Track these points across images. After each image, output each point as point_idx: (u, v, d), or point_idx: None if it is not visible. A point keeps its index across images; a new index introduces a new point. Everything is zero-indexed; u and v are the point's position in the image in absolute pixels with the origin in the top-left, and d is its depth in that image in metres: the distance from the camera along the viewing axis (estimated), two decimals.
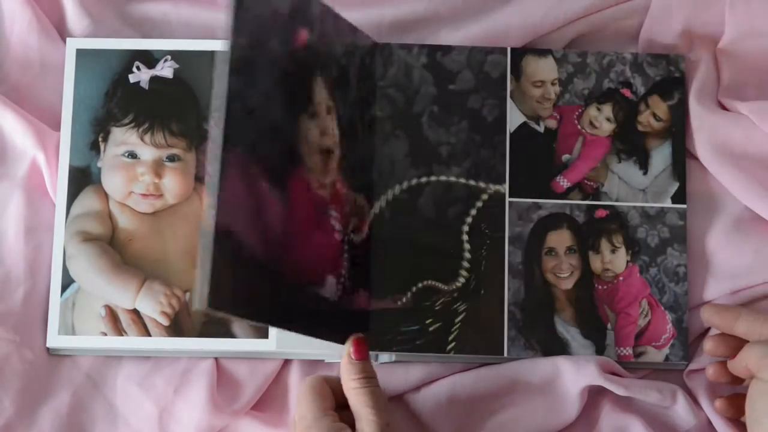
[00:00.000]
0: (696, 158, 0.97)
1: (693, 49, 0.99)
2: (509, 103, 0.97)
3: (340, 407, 0.84)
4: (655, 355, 0.94)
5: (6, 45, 0.98)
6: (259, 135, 0.80)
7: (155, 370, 0.93)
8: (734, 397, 0.90)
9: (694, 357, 0.94)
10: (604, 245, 0.95)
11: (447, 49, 0.97)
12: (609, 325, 0.94)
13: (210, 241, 0.73)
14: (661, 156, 0.97)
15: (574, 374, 0.91)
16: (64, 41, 0.98)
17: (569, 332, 0.94)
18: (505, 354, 0.93)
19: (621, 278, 0.95)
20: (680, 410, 0.91)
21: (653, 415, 0.93)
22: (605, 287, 0.95)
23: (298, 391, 0.87)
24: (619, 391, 0.91)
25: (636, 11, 1.01)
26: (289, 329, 0.82)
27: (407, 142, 0.96)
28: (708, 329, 0.94)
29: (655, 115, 0.98)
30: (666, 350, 0.94)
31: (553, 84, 0.98)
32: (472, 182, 0.96)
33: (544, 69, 0.98)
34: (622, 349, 0.94)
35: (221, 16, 0.98)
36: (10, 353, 0.91)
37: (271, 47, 0.82)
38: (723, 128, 0.96)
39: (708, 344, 0.90)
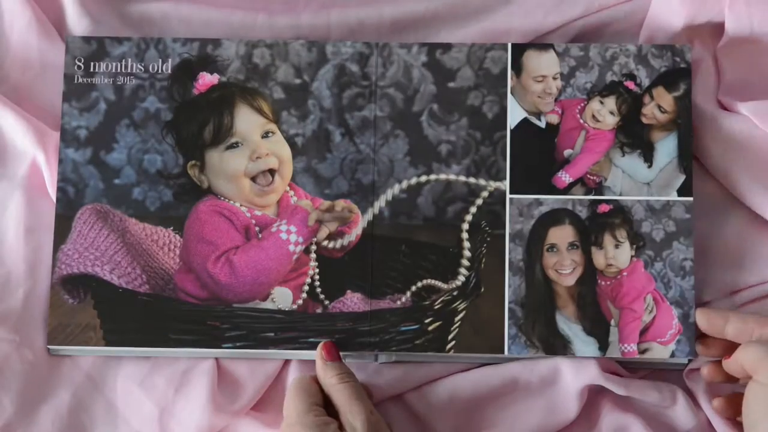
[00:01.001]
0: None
1: (693, 48, 0.98)
2: (510, 99, 0.96)
3: (329, 404, 0.86)
4: (660, 351, 0.93)
5: (6, 45, 0.98)
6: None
7: (155, 370, 0.93)
8: (732, 396, 0.90)
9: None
10: (608, 240, 0.94)
11: (447, 47, 0.97)
12: (612, 322, 0.93)
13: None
14: (666, 148, 0.96)
15: (574, 374, 0.91)
16: (64, 41, 0.97)
17: (571, 329, 0.93)
18: (506, 352, 0.92)
19: (624, 274, 0.94)
20: (680, 410, 0.91)
21: (653, 415, 0.92)
22: (608, 283, 0.94)
23: (287, 389, 0.88)
24: (619, 391, 0.90)
25: (636, 11, 1.00)
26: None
27: (407, 141, 0.96)
28: None
29: (660, 107, 0.96)
30: (672, 346, 0.93)
31: (554, 78, 0.97)
32: (472, 180, 0.95)
33: (546, 63, 0.97)
34: (626, 345, 0.93)
35: (221, 16, 0.99)
36: (10, 353, 0.91)
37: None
38: (723, 128, 0.95)
39: (699, 346, 0.90)
